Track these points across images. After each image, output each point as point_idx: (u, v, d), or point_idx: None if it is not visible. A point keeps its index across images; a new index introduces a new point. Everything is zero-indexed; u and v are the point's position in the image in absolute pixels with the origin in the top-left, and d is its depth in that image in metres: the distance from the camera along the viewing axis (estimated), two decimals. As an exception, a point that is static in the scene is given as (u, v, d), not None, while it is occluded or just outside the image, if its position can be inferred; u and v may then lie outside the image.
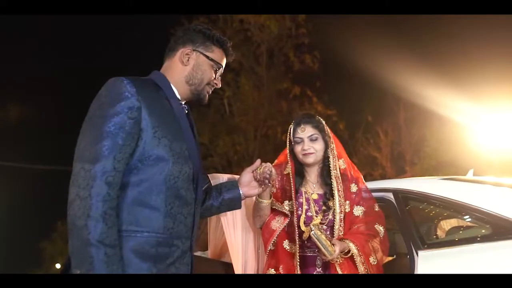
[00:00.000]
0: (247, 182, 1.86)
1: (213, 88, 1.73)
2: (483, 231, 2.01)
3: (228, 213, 2.16)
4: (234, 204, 1.87)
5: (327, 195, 2.20)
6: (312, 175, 2.26)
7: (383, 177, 12.64)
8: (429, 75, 10.19)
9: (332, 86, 13.61)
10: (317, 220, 2.14)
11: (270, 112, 13.21)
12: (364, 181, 2.29)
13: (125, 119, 1.43)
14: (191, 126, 1.66)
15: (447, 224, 2.71)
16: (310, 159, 2.19)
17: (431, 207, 2.22)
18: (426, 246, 2.03)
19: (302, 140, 2.20)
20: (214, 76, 1.70)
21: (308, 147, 2.18)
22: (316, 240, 1.97)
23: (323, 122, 2.27)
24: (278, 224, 2.14)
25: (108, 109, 1.44)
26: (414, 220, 2.17)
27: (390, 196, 2.27)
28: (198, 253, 2.90)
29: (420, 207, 2.26)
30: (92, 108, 1.49)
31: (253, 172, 1.86)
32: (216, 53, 1.70)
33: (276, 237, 2.13)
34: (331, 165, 2.19)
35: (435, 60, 10.79)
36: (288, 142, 2.27)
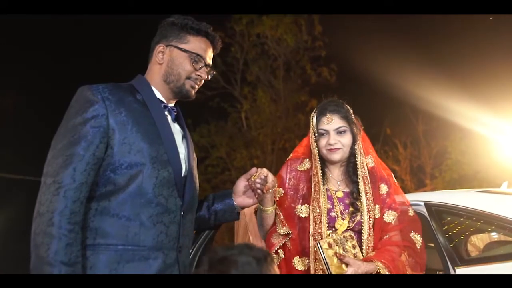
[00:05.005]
0: (242, 192, 1.72)
1: (198, 82, 1.59)
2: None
3: (256, 224, 2.10)
4: (228, 215, 1.73)
5: (355, 194, 1.89)
6: (335, 172, 1.96)
7: (403, 190, 12.40)
8: (449, 86, 10.04)
9: (349, 98, 13.52)
10: (344, 223, 1.85)
11: (287, 125, 13.16)
12: (395, 181, 2.02)
13: (88, 129, 1.35)
14: (182, 128, 1.57)
15: (478, 239, 2.61)
16: (336, 156, 1.89)
17: (467, 221, 2.12)
18: (464, 262, 1.94)
19: (327, 133, 1.90)
20: (194, 68, 1.56)
21: (335, 142, 1.88)
22: (320, 254, 1.71)
23: (351, 112, 1.96)
24: (279, 238, 1.88)
25: (73, 119, 1.38)
26: (450, 235, 2.08)
27: (423, 209, 2.18)
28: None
29: (455, 221, 2.16)
30: (63, 119, 1.43)
31: (247, 180, 1.71)
32: (193, 43, 1.57)
33: (283, 253, 1.87)
34: (358, 162, 1.91)
35: (455, 71, 10.65)
36: (311, 132, 1.95)
